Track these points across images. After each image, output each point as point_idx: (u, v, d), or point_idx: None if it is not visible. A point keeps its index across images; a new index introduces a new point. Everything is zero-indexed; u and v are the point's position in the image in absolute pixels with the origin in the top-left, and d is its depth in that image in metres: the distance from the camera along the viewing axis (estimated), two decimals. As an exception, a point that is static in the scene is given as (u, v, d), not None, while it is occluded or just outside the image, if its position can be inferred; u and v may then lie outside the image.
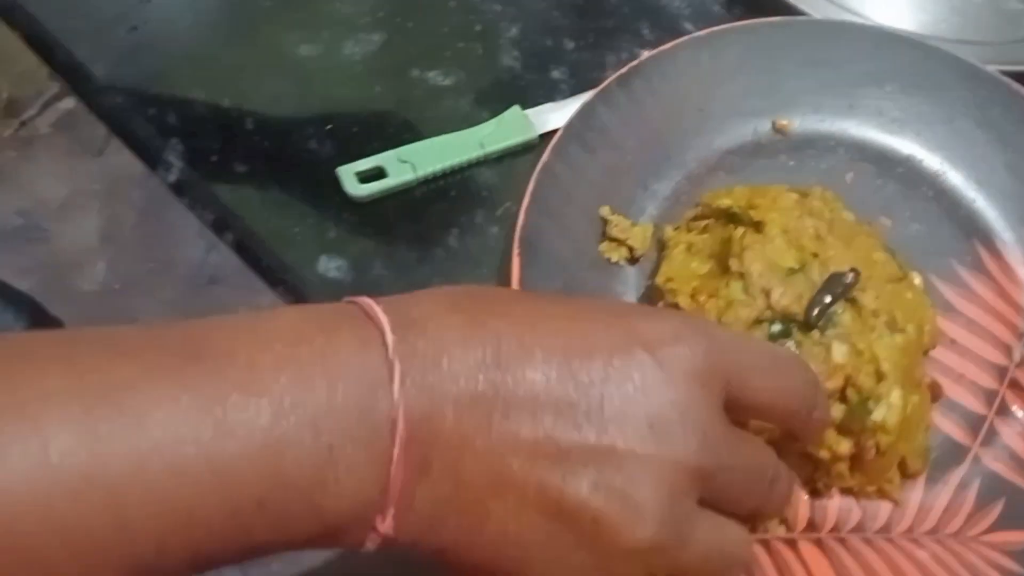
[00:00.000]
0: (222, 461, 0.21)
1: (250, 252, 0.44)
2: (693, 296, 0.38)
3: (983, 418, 0.39)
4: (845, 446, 0.36)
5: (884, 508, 0.38)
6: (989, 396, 0.40)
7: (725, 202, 0.40)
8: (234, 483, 0.21)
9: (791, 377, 0.30)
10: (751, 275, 0.37)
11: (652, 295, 0.40)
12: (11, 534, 0.19)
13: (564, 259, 0.41)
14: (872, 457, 0.36)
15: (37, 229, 1.33)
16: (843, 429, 0.36)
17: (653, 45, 0.46)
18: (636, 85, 0.44)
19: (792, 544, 0.37)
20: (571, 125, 0.42)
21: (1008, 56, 0.48)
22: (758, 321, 0.36)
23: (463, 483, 0.24)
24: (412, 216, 0.44)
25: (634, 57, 0.45)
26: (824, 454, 0.36)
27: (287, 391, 0.22)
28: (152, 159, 0.46)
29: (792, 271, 0.37)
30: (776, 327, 0.36)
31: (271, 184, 0.46)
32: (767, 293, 0.36)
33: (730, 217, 0.39)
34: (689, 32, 0.47)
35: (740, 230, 0.38)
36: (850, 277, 0.37)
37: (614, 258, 0.42)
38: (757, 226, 0.38)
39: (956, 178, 0.45)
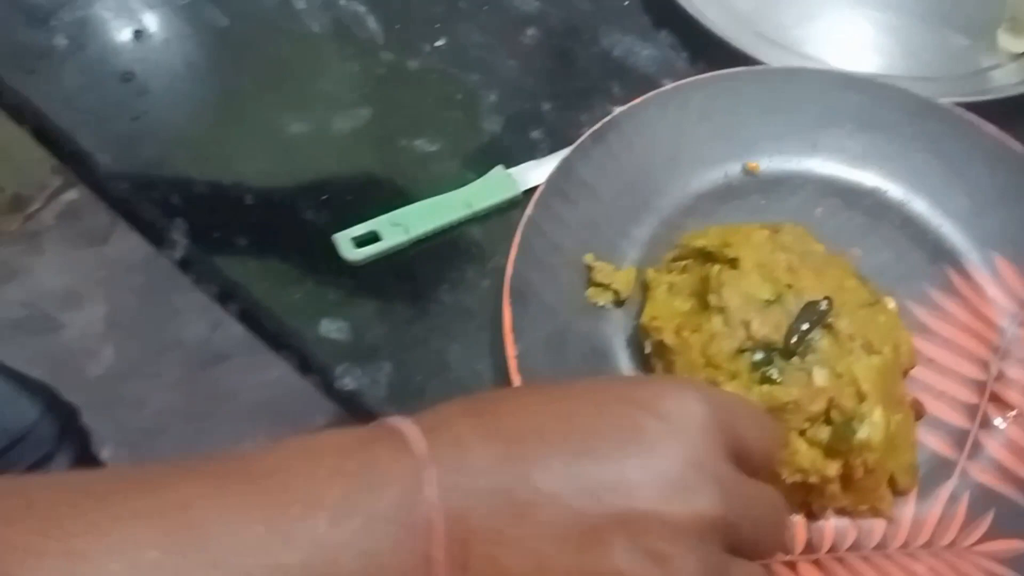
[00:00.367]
0: (285, 569, 0.23)
1: (254, 320, 0.46)
2: (677, 332, 0.40)
3: (967, 432, 0.41)
4: (833, 468, 0.37)
5: (879, 525, 0.39)
6: (971, 410, 0.41)
7: (701, 242, 0.42)
8: None
9: (771, 424, 0.31)
10: (730, 308, 0.39)
11: (639, 334, 0.42)
12: None
13: (553, 306, 0.43)
14: (861, 476, 0.37)
15: (44, 319, 1.36)
16: (831, 451, 0.37)
17: (624, 101, 0.49)
18: (610, 139, 0.46)
19: (792, 567, 0.38)
20: (552, 180, 0.45)
21: (958, 89, 0.51)
22: (740, 351, 0.38)
23: (503, 574, 0.25)
24: (406, 276, 0.46)
25: (607, 114, 0.48)
26: (814, 478, 0.37)
27: (340, 502, 0.24)
28: (158, 239, 0.48)
29: (768, 302, 0.39)
30: (758, 355, 0.38)
31: (271, 254, 0.48)
32: (747, 324, 0.38)
33: (707, 256, 0.42)
34: (657, 87, 0.49)
35: (717, 267, 0.40)
36: (824, 304, 0.39)
37: (600, 302, 0.44)
38: (732, 263, 0.40)
39: (921, 206, 0.47)
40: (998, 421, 0.41)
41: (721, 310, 0.39)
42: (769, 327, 0.38)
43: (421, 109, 0.53)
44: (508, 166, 0.49)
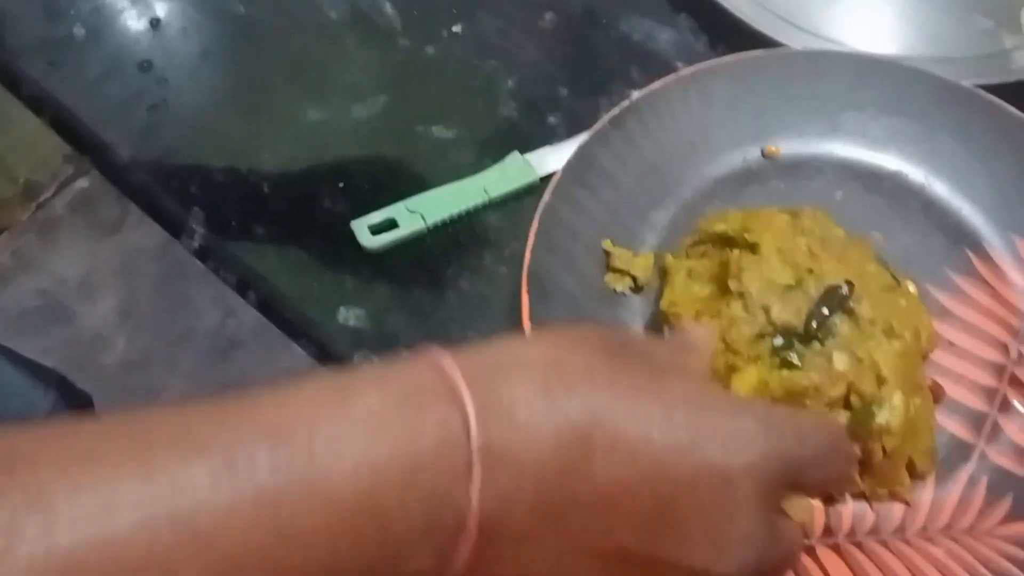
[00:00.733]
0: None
1: (273, 309, 0.46)
2: (697, 318, 0.40)
3: (986, 415, 0.41)
4: (854, 451, 0.37)
5: (897, 509, 0.39)
6: (990, 394, 0.41)
7: (720, 227, 0.42)
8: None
9: (838, 464, 0.31)
10: (750, 294, 0.39)
11: (658, 320, 0.42)
12: None
13: (571, 293, 0.43)
14: (880, 460, 0.38)
15: (58, 308, 1.37)
16: (850, 435, 0.37)
17: (642, 86, 0.49)
18: (629, 124, 0.46)
19: (810, 551, 0.38)
20: (569, 165, 0.45)
21: (981, 71, 0.50)
22: (760, 336, 0.38)
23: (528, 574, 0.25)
24: (424, 263, 0.47)
25: (625, 98, 0.48)
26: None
27: (364, 483, 0.22)
28: (176, 228, 0.48)
29: (789, 287, 0.39)
30: (778, 340, 0.38)
31: (289, 243, 0.48)
32: (767, 310, 0.38)
33: (726, 241, 0.42)
34: (676, 71, 0.49)
35: (737, 252, 0.40)
36: (845, 289, 0.39)
37: (619, 288, 0.44)
38: (752, 247, 0.40)
39: (941, 189, 0.47)
40: (1018, 404, 0.41)
41: (741, 295, 0.39)
42: (789, 312, 0.38)
43: (438, 96, 0.53)
44: (525, 151, 0.49)
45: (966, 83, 0.48)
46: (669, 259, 0.43)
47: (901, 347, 0.38)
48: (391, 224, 0.47)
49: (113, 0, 0.56)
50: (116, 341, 1.33)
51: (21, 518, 0.19)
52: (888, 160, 0.47)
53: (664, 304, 0.41)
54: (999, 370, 0.42)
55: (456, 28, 0.56)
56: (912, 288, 0.42)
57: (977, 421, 0.41)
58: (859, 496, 0.39)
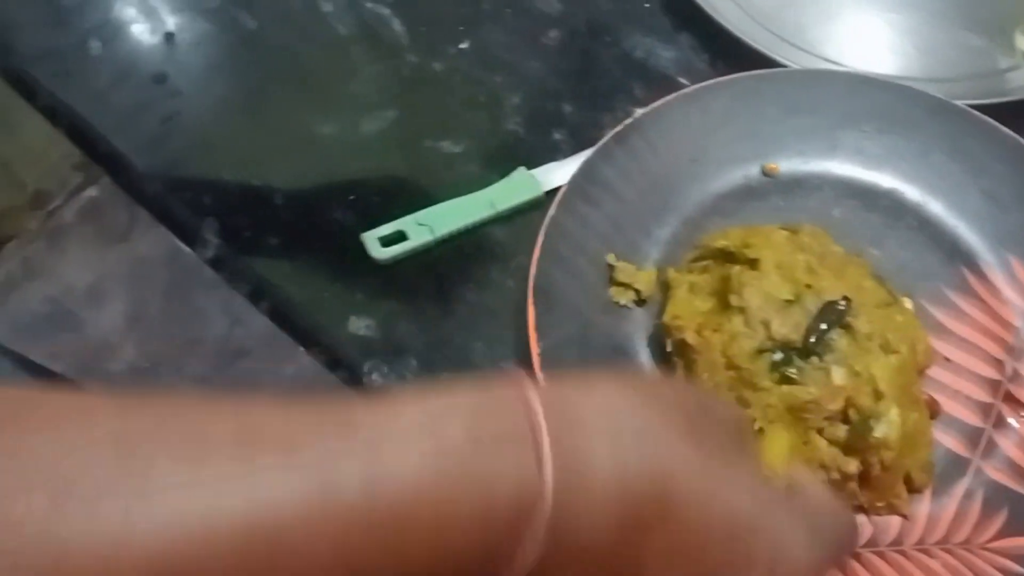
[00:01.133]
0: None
1: (285, 319, 0.47)
2: (699, 331, 0.40)
3: (981, 431, 0.42)
4: (853, 465, 0.38)
5: (894, 522, 0.40)
6: (985, 409, 0.42)
7: (722, 243, 0.43)
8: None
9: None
10: (750, 309, 0.39)
11: (660, 333, 0.43)
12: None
13: (576, 305, 0.44)
14: (878, 473, 0.38)
15: (67, 315, 1.38)
16: (849, 448, 0.38)
17: (645, 102, 0.50)
18: (632, 140, 0.47)
19: (810, 561, 0.38)
20: (574, 181, 0.46)
21: (974, 90, 0.51)
22: (760, 351, 0.39)
23: None
24: (432, 274, 0.48)
25: (628, 115, 0.49)
26: (834, 475, 0.38)
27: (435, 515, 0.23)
28: (190, 238, 0.49)
29: (788, 303, 0.40)
30: (778, 355, 0.39)
31: (301, 254, 0.49)
32: (767, 324, 0.39)
33: (727, 257, 0.43)
34: (678, 88, 0.50)
35: (737, 268, 0.41)
36: (843, 305, 0.40)
37: (623, 301, 0.45)
38: (753, 263, 0.41)
39: (937, 207, 0.48)
40: (1012, 420, 0.42)
41: (741, 310, 0.40)
42: (789, 327, 0.39)
43: (445, 110, 0.54)
44: (530, 167, 0.50)
45: (961, 103, 0.49)
46: (672, 273, 0.44)
47: (898, 362, 0.39)
48: (400, 236, 0.48)
49: (128, 13, 0.57)
50: (124, 348, 1.34)
51: (133, 504, 0.20)
52: (884, 178, 0.48)
53: (667, 318, 0.42)
54: (994, 386, 0.43)
55: (463, 44, 0.57)
56: (908, 304, 0.43)
57: (973, 436, 0.41)
58: (857, 509, 0.39)
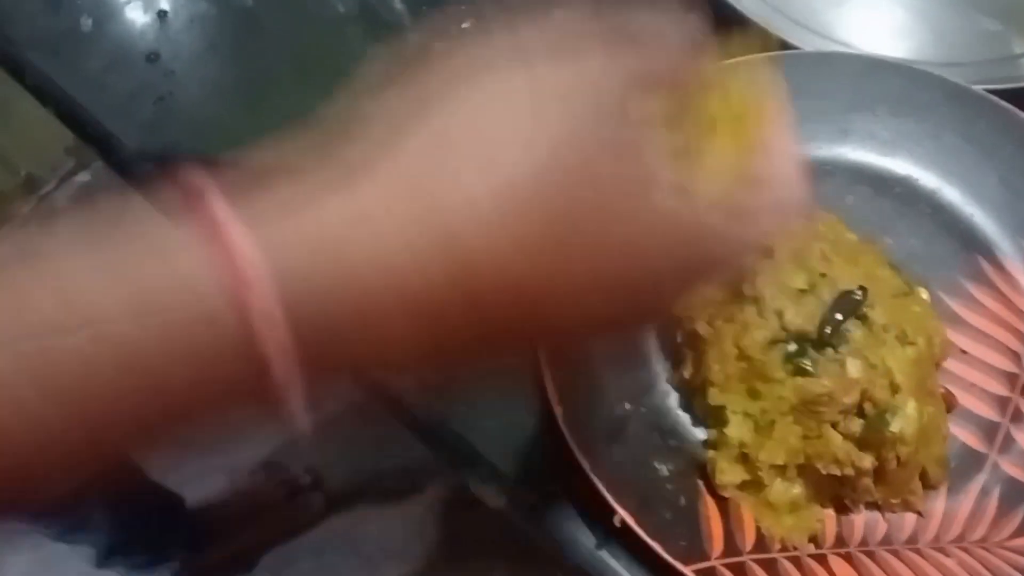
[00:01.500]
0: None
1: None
2: (710, 322, 0.39)
3: (998, 425, 0.40)
4: (868, 460, 0.37)
5: (909, 519, 0.39)
6: (1002, 404, 0.41)
7: (733, 231, 0.41)
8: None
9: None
10: (764, 298, 0.38)
11: (670, 323, 0.42)
12: None
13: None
14: (893, 468, 0.37)
15: (59, 301, 1.36)
16: (863, 443, 0.37)
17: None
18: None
19: (822, 560, 0.37)
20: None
21: (990, 75, 0.50)
22: (773, 341, 0.38)
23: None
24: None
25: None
26: (848, 471, 0.37)
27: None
28: (182, 222, 0.48)
29: (802, 292, 0.39)
30: (792, 346, 0.38)
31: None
32: (780, 314, 0.38)
33: (739, 245, 0.41)
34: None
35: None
36: (858, 294, 0.38)
37: (629, 291, 0.43)
38: (766, 251, 0.40)
39: (952, 194, 0.46)
40: (1030, 414, 0.41)
41: (754, 300, 0.38)
42: (803, 317, 0.38)
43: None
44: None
45: (975, 87, 0.47)
46: (681, 262, 0.43)
47: (915, 354, 0.38)
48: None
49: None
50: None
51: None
52: (898, 164, 0.47)
53: (679, 310, 0.41)
54: (1011, 379, 0.41)
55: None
56: (924, 294, 0.42)
57: (989, 431, 0.40)
58: (871, 505, 0.38)
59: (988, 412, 0.41)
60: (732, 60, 0.30)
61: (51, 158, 1.47)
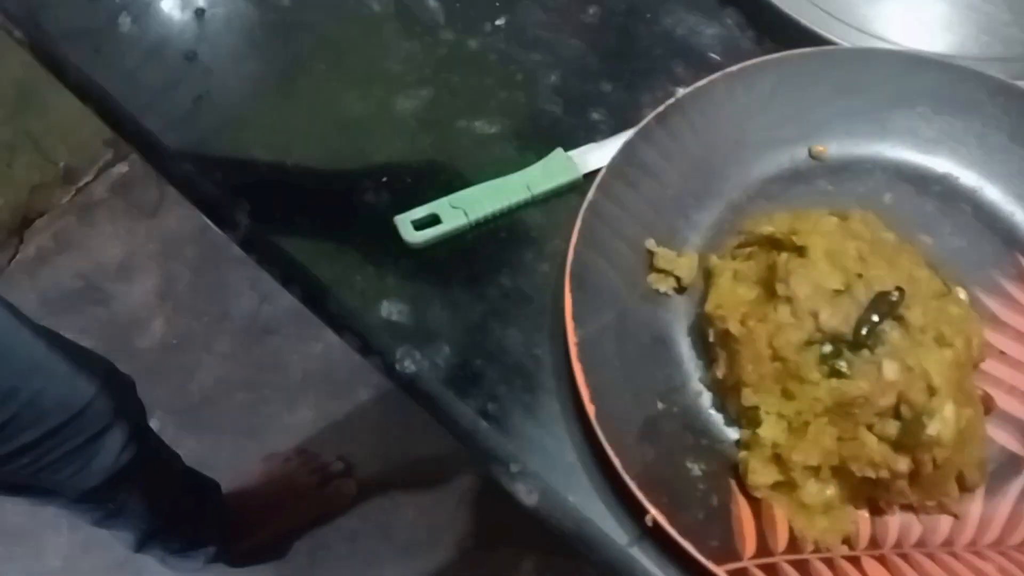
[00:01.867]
0: None
1: (316, 302, 0.46)
2: (743, 321, 0.39)
3: (1038, 428, 0.40)
4: (903, 463, 0.37)
5: (945, 522, 0.38)
6: (1043, 406, 0.40)
7: (767, 229, 0.41)
8: None
9: None
10: (798, 298, 0.38)
11: (702, 322, 0.42)
12: None
13: (614, 292, 0.42)
14: (930, 472, 0.37)
15: (97, 290, 1.39)
16: (900, 446, 0.37)
17: (687, 82, 0.48)
18: (674, 122, 0.46)
19: (855, 561, 0.37)
20: (614, 164, 0.44)
21: (1036, 71, 0.49)
22: (808, 342, 0.38)
23: None
24: (466, 259, 0.46)
25: (669, 95, 0.47)
26: (884, 473, 0.37)
27: None
28: (221, 219, 0.48)
29: (838, 292, 0.38)
30: (827, 348, 0.37)
31: (333, 236, 0.48)
32: (815, 315, 0.38)
33: (773, 243, 0.41)
34: (721, 67, 0.48)
35: (784, 255, 0.40)
36: (895, 295, 0.38)
37: (662, 288, 0.43)
38: (800, 251, 0.40)
39: (993, 193, 0.46)
40: (1072, 417, 0.40)
41: (788, 300, 0.38)
42: (839, 318, 0.38)
43: (481, 90, 0.53)
44: (568, 148, 0.49)
45: (1020, 83, 0.46)
46: (714, 260, 0.43)
47: (952, 356, 0.37)
48: (434, 219, 0.46)
49: (159, -10, 0.56)
50: (153, 323, 1.35)
51: None
52: (938, 162, 0.46)
53: (709, 306, 0.41)
54: (1052, 381, 0.41)
55: (499, 21, 0.55)
56: (963, 295, 0.41)
57: (1028, 433, 0.40)
58: (906, 507, 0.38)
59: (1027, 415, 0.40)
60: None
61: (89, 149, 1.50)
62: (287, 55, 0.54)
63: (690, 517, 0.37)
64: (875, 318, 0.37)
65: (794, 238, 0.40)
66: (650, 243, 0.44)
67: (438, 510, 1.15)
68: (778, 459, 0.38)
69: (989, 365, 0.41)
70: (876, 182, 0.46)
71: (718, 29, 0.54)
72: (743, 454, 0.39)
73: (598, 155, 0.48)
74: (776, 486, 0.38)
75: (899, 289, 0.38)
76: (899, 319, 0.38)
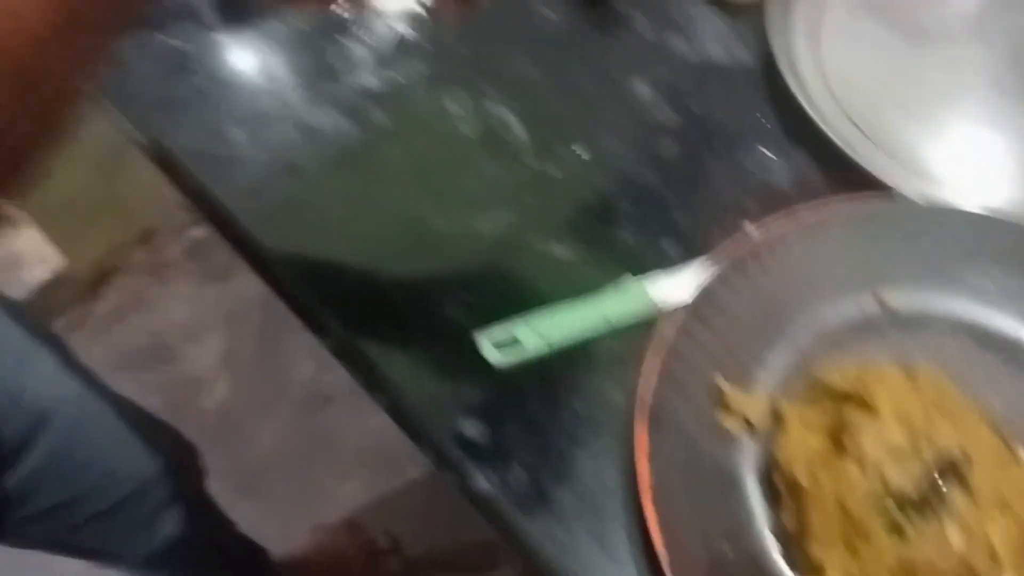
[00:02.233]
0: None
1: (399, 412, 0.49)
2: (811, 472, 0.41)
3: (1103, 597, 0.40)
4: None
5: None
6: (1107, 575, 0.41)
7: (836, 382, 0.43)
8: None
9: None
10: (866, 456, 0.39)
11: (771, 466, 0.43)
12: None
13: (686, 428, 0.44)
14: (989, 638, 0.38)
15: (166, 349, 1.44)
16: (960, 610, 0.38)
17: (757, 216, 0.51)
18: (751, 267, 0.48)
19: None
20: (695, 307, 0.46)
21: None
22: (874, 499, 0.39)
23: None
24: (543, 382, 0.49)
25: (739, 228, 0.49)
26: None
27: None
28: (315, 325, 0.52)
29: (904, 451, 0.40)
30: (891, 505, 0.39)
31: (414, 347, 0.51)
32: (881, 473, 0.39)
33: (842, 396, 0.43)
34: (790, 203, 0.51)
35: (853, 410, 0.41)
36: (961, 458, 0.39)
37: (732, 427, 0.45)
38: (868, 406, 0.41)
39: (1060, 356, 0.47)
40: None
41: (857, 457, 0.40)
42: (904, 477, 0.39)
43: (559, 214, 0.56)
44: (637, 273, 0.51)
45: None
46: (785, 406, 0.44)
47: (1017, 527, 0.38)
48: (513, 339, 0.49)
49: (268, 108, 0.61)
50: (216, 386, 1.39)
51: None
52: (1006, 322, 0.48)
53: (780, 454, 0.42)
54: (1117, 551, 0.41)
55: (577, 149, 0.58)
56: (1026, 456, 0.42)
57: (1092, 603, 0.40)
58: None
59: (1092, 582, 0.41)
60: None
61: (166, 211, 1.57)
62: (379, 170, 0.58)
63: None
64: (939, 480, 0.39)
65: (862, 393, 0.42)
66: (721, 382, 0.46)
67: (482, 596, 1.16)
68: (841, 611, 0.39)
69: (1052, 528, 0.42)
70: (943, 336, 0.48)
71: (787, 166, 0.57)
72: (807, 603, 0.40)
73: (670, 284, 0.50)
74: (839, 638, 0.39)
75: (964, 451, 0.39)
76: (963, 482, 0.39)
